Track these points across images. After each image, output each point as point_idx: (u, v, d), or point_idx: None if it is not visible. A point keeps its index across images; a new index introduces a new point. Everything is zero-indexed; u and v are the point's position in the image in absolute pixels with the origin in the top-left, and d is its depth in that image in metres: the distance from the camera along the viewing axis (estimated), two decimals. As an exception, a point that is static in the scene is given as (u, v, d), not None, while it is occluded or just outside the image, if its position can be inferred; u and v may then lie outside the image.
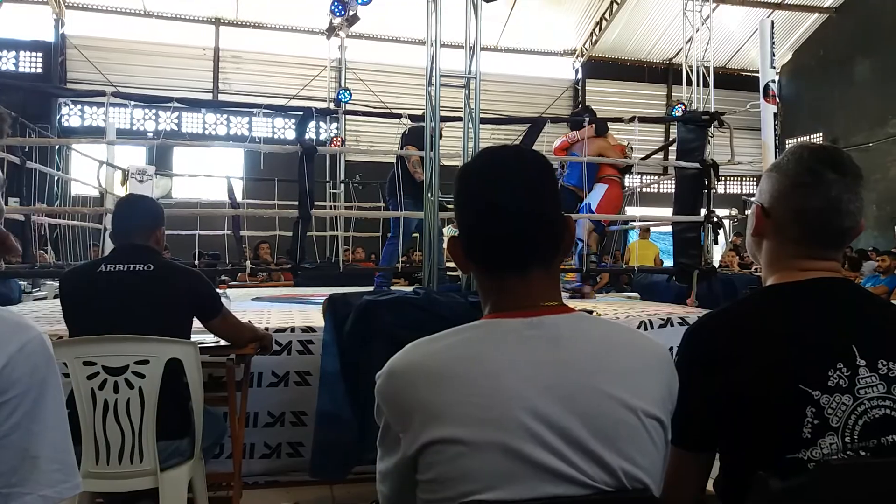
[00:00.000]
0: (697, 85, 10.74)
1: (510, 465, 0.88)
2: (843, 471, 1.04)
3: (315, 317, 3.58)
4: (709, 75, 10.67)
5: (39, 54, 12.81)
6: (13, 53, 12.69)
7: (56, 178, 6.36)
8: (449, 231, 6.07)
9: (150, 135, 12.56)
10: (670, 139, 8.97)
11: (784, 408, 1.07)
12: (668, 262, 8.02)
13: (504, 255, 1.01)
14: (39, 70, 12.77)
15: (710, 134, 5.21)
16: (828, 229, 1.17)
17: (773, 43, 7.67)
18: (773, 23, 8.28)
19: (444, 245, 4.04)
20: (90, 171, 6.64)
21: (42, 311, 4.23)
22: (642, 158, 5.74)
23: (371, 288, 4.69)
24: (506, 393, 0.90)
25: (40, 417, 0.90)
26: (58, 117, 12.43)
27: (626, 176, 6.19)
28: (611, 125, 5.78)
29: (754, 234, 1.27)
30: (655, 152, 8.58)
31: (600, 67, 15.71)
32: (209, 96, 13.37)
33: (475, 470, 0.88)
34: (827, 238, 1.18)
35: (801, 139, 15.58)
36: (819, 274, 1.18)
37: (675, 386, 1.01)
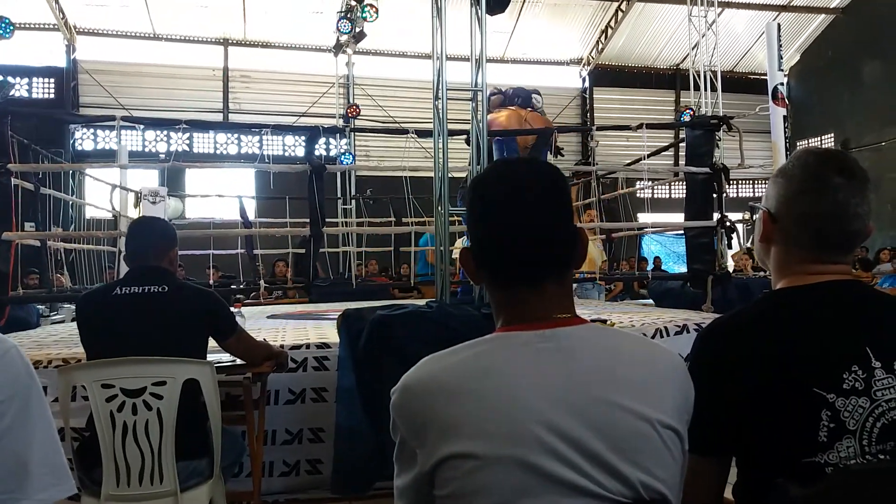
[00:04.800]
0: (705, 90, 10.74)
1: (526, 478, 0.88)
2: (862, 475, 1.03)
3: (330, 333, 3.59)
4: (716, 80, 10.67)
5: (52, 80, 12.99)
6: (26, 80, 12.87)
7: (70, 203, 6.44)
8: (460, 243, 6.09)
9: (162, 156, 12.68)
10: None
11: (798, 411, 1.06)
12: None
13: (516, 269, 1.00)
14: (52, 95, 12.95)
15: (717, 138, 5.20)
16: (836, 233, 1.17)
17: (781, 45, 7.66)
18: (779, 25, 8.28)
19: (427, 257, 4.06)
20: (104, 195, 6.72)
21: (60, 335, 4.26)
22: (649, 155, 5.71)
23: (385, 302, 4.70)
24: (519, 406, 0.90)
25: (28, 423, 0.92)
26: (71, 142, 12.57)
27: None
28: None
29: (762, 239, 1.27)
30: (664, 149, 8.51)
31: (607, 75, 15.72)
32: (220, 116, 13.49)
33: (491, 484, 0.88)
34: (835, 242, 1.18)
35: (811, 141, 15.52)
36: (829, 277, 1.17)
37: (691, 395, 1.01)
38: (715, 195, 5.09)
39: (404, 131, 4.90)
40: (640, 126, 5.35)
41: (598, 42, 15.04)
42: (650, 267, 11.50)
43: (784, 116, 7.39)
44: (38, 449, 0.93)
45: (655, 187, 13.30)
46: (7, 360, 0.92)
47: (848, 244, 1.19)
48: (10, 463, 0.90)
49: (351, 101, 13.19)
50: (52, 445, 0.96)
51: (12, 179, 4.04)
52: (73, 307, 5.84)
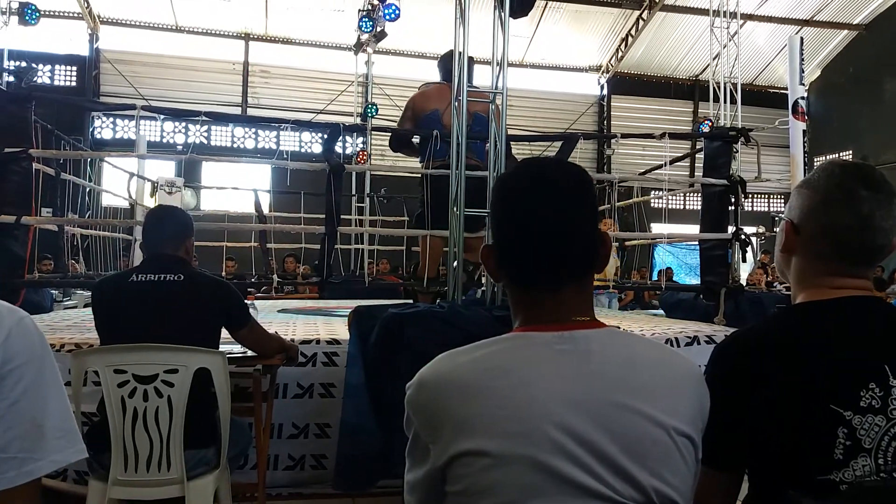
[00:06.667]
0: (724, 101, 10.69)
1: (538, 478, 0.88)
2: (876, 493, 1.02)
3: (340, 329, 3.59)
4: (736, 92, 10.61)
5: (74, 68, 13.12)
6: (49, 67, 12.99)
7: (88, 190, 6.49)
8: None
9: (180, 147, 12.77)
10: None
11: (815, 428, 1.05)
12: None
13: (537, 270, 1.00)
14: (74, 83, 13.08)
15: (735, 150, 5.17)
16: (859, 246, 1.15)
17: (803, 59, 7.61)
18: (802, 39, 8.22)
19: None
20: (121, 183, 6.76)
21: (73, 320, 4.29)
22: (671, 162, 5.67)
23: (396, 301, 4.70)
24: (535, 406, 0.90)
25: (43, 387, 0.97)
26: (91, 129, 12.69)
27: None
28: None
29: (783, 250, 1.25)
30: (680, 160, 8.45)
31: (626, 83, 15.67)
32: (238, 110, 13.56)
33: (503, 483, 0.88)
34: (858, 255, 1.16)
35: (829, 157, 15.39)
36: (850, 292, 1.16)
37: (707, 403, 1.00)
38: (731, 207, 5.05)
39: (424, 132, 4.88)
40: (662, 135, 5.32)
41: (617, 50, 15.00)
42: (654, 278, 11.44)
43: (803, 131, 7.34)
44: (53, 413, 0.98)
45: (670, 198, 13.25)
46: (22, 326, 0.97)
47: (870, 258, 1.17)
48: (27, 425, 0.95)
49: (369, 99, 13.23)
50: (65, 411, 1.00)
51: (33, 164, 4.07)
52: (87, 293, 5.89)
